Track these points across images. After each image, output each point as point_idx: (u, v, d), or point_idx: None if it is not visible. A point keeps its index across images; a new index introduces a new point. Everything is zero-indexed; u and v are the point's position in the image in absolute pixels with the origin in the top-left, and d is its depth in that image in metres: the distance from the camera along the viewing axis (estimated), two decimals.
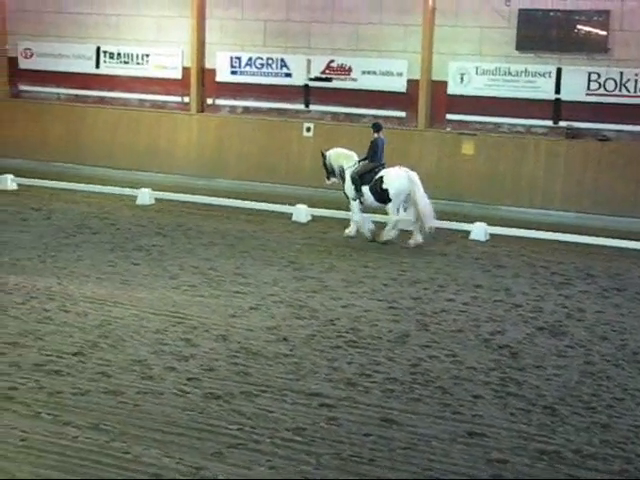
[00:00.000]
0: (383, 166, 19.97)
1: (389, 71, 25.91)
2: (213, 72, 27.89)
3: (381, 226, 20.25)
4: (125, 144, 28.46)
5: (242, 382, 11.34)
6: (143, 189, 23.66)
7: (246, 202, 22.99)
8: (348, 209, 20.74)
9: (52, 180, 25.03)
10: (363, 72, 26.17)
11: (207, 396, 10.82)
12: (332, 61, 26.43)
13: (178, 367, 11.78)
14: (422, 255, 18.97)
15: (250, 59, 27.24)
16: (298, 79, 26.88)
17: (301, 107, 27.06)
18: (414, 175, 19.53)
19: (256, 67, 27.19)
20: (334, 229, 21.02)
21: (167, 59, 28.24)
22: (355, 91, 26.34)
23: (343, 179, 20.29)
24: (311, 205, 22.29)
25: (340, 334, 13.44)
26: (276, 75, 27.07)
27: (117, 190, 24.20)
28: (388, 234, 19.80)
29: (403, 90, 25.90)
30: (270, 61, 27.03)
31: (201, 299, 15.03)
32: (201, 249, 18.72)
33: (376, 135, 20.20)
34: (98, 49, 29.02)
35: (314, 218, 21.86)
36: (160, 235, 19.91)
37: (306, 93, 26.93)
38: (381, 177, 19.65)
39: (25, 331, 13.00)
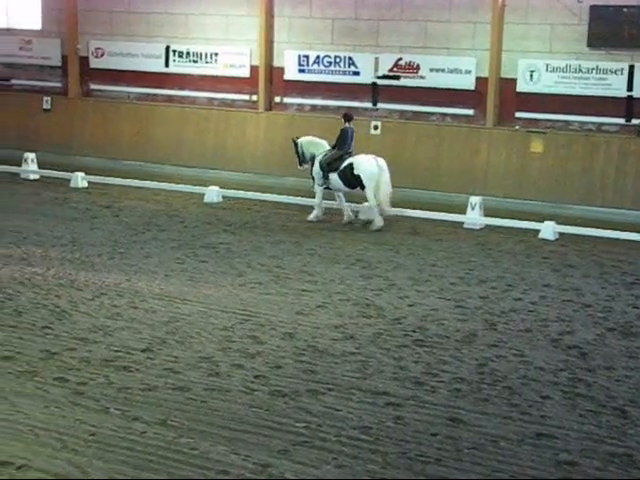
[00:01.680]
0: (350, 154, 20.99)
1: (458, 69, 25.74)
2: (281, 70, 27.96)
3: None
4: (193, 142, 28.67)
5: (308, 380, 11.34)
6: (211, 187, 23.81)
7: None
8: (415, 207, 20.88)
9: (122, 178, 25.31)
10: (431, 70, 26.03)
11: (274, 394, 10.85)
12: (400, 59, 26.33)
13: (245, 364, 11.82)
14: (490, 254, 18.83)
15: (318, 57, 27.26)
16: (366, 77, 26.83)
17: (369, 105, 27.01)
18: (382, 161, 20.73)
19: (324, 65, 27.20)
20: (401, 227, 20.96)
21: (236, 58, 28.37)
22: (423, 89, 26.20)
23: (313, 165, 21.37)
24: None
25: (407, 333, 13.38)
26: (344, 73, 27.05)
27: (185, 188, 24.41)
28: (379, 220, 20.70)
29: (472, 88, 25.71)
30: (338, 59, 27.01)
31: (268, 297, 15.07)
32: (268, 247, 18.78)
33: (346, 125, 21.26)
34: (167, 48, 29.26)
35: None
36: (227, 233, 20.02)
37: (374, 91, 26.87)
38: (351, 164, 20.72)
39: (95, 327, 13.16)
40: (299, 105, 28.10)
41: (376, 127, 26.27)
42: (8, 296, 14.53)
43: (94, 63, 30.50)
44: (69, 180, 25.11)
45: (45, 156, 27.65)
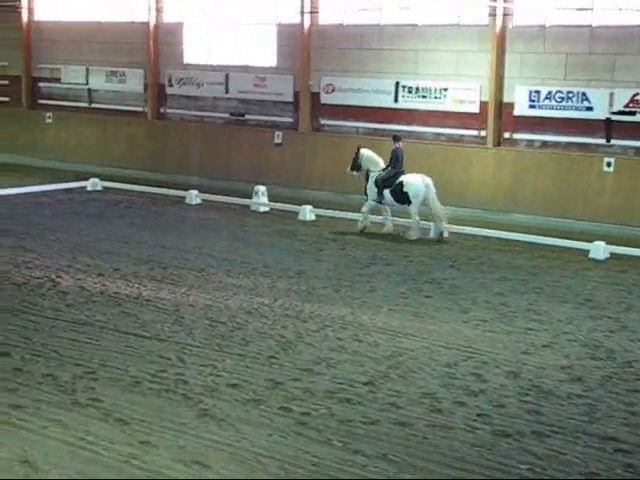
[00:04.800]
0: (403, 173, 23.22)
1: None
2: (511, 106, 27.61)
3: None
4: None
5: (533, 421, 11.06)
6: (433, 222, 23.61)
7: (541, 237, 22.53)
8: None
9: (348, 211, 25.46)
10: None
11: (497, 433, 10.62)
12: (637, 94, 25.47)
13: (468, 402, 11.64)
14: None
15: (550, 93, 26.74)
16: (599, 113, 26.11)
17: (602, 141, 26.24)
18: (429, 180, 22.95)
19: (555, 101, 26.67)
20: (634, 267, 20.20)
21: (465, 93, 28.24)
22: None
23: (367, 180, 23.63)
24: (609, 242, 21.54)
25: (639, 377, 12.84)
26: (576, 109, 26.42)
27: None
28: (414, 233, 22.87)
29: None
30: (570, 95, 26.42)
31: (492, 334, 14.83)
32: (494, 284, 18.50)
33: (396, 145, 23.53)
34: (397, 84, 29.48)
35: (613, 255, 21.10)
36: (453, 268, 19.86)
37: (607, 127, 26.10)
38: (401, 182, 22.98)
39: (319, 358, 13.29)
40: (529, 141, 27.63)
41: (609, 164, 25.52)
42: (237, 325, 14.91)
43: (324, 99, 31.07)
44: (297, 213, 25.60)
45: (275, 189, 28.33)
